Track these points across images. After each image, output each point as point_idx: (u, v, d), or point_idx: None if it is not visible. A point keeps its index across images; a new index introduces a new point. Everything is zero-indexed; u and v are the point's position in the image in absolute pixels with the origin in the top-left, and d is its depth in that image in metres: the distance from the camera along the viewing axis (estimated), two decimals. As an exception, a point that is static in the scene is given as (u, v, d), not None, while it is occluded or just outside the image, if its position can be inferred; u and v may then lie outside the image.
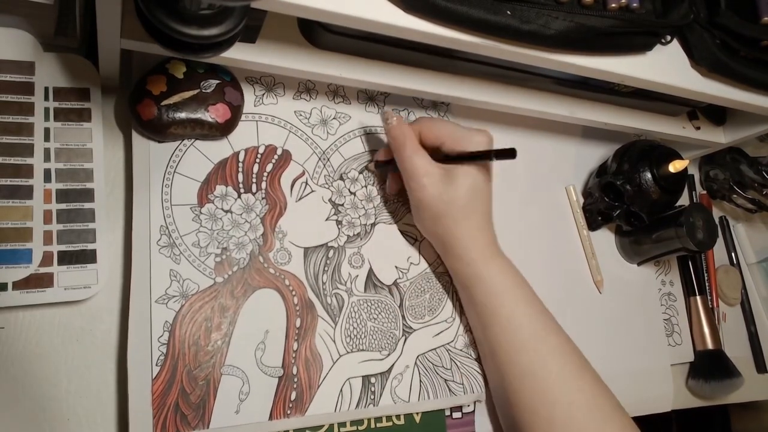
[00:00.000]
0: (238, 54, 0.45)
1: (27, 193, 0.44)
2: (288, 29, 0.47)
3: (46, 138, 0.45)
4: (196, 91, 0.47)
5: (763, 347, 0.73)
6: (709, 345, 0.66)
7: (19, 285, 0.42)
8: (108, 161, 0.48)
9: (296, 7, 0.37)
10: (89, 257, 0.44)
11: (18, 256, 0.42)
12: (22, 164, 0.44)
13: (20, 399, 0.42)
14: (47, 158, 0.45)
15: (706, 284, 0.71)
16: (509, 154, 0.44)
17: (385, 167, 0.54)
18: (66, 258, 0.44)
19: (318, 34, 0.47)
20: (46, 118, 0.45)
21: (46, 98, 0.45)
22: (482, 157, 0.47)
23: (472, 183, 0.48)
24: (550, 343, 0.48)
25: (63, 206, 0.45)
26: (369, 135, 0.56)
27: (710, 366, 0.66)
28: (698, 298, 0.68)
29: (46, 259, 0.43)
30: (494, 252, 0.50)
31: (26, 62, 0.45)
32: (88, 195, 0.45)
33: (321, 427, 0.47)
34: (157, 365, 0.43)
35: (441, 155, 0.49)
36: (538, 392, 0.46)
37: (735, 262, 0.75)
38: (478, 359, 0.54)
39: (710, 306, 0.69)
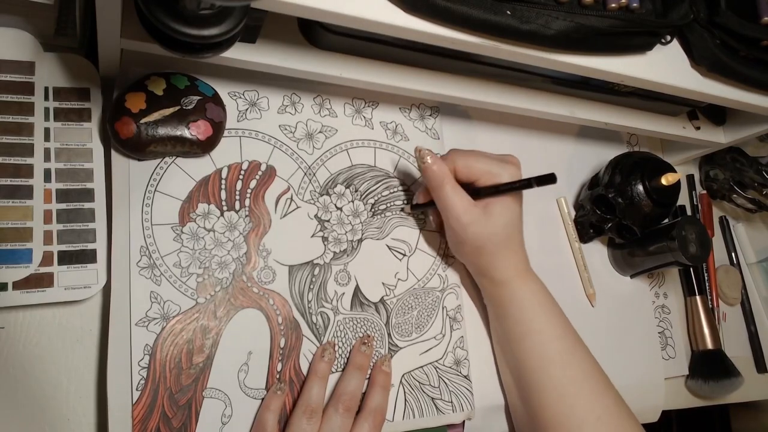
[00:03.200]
0: (238, 54, 0.45)
1: (27, 193, 0.44)
2: (288, 29, 0.47)
3: (46, 138, 0.45)
4: (176, 108, 0.46)
5: (763, 347, 0.73)
6: (709, 345, 0.66)
7: (19, 285, 0.42)
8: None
9: (296, 7, 0.37)
10: (89, 257, 0.44)
11: (18, 256, 0.42)
12: (22, 164, 0.44)
13: (20, 399, 0.42)
14: (47, 158, 0.45)
15: (706, 284, 0.71)
16: (550, 179, 0.45)
17: (424, 207, 0.54)
18: (66, 258, 0.44)
19: (318, 34, 0.47)
20: (46, 118, 0.45)
21: (46, 98, 0.45)
22: (523, 186, 0.47)
23: (510, 216, 0.49)
24: (579, 359, 0.49)
25: (63, 206, 0.45)
26: (355, 150, 0.55)
27: (710, 366, 0.66)
28: (698, 297, 0.68)
29: (46, 259, 0.43)
30: (528, 271, 0.51)
31: (26, 62, 0.45)
32: (88, 195, 0.45)
33: None
34: (137, 390, 0.43)
35: (478, 188, 0.49)
36: (567, 408, 0.47)
37: (735, 262, 0.75)
38: (468, 377, 0.53)
39: (710, 306, 0.69)
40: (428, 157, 0.49)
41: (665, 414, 0.63)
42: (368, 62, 0.50)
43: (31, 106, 0.45)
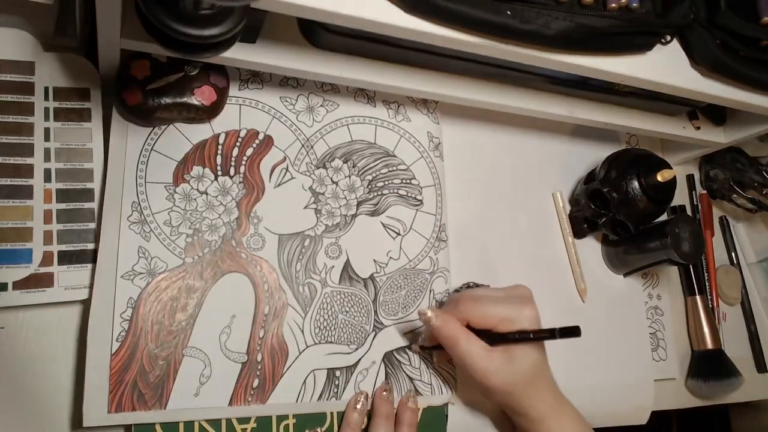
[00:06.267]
0: (238, 54, 0.45)
1: (27, 193, 0.44)
2: (288, 29, 0.47)
3: (46, 138, 0.45)
4: (180, 74, 0.47)
5: (763, 347, 0.73)
6: (709, 345, 0.66)
7: (19, 285, 0.42)
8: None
9: (296, 7, 0.37)
10: (89, 257, 0.44)
11: (18, 256, 0.42)
12: (22, 164, 0.44)
13: (20, 399, 0.42)
14: (47, 158, 0.45)
15: (706, 284, 0.71)
16: (573, 332, 0.43)
17: (433, 349, 0.51)
18: (66, 258, 0.44)
19: (318, 34, 0.47)
20: (46, 118, 0.45)
21: (46, 98, 0.45)
22: (545, 337, 0.46)
23: (534, 356, 0.47)
24: None
25: (63, 206, 0.45)
26: (356, 125, 0.55)
27: (710, 366, 0.66)
28: (698, 297, 0.68)
29: (46, 259, 0.43)
30: (563, 405, 0.49)
31: (26, 62, 0.45)
32: (88, 195, 0.45)
33: (286, 416, 0.47)
34: (117, 341, 0.43)
35: (497, 336, 0.47)
36: None
37: (735, 262, 0.75)
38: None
39: (710, 306, 0.69)
40: (435, 318, 0.46)
41: (665, 414, 0.63)
42: (368, 62, 0.50)
43: (31, 106, 0.45)
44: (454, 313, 0.47)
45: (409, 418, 0.49)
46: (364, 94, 0.57)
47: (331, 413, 0.49)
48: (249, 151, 0.51)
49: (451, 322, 0.47)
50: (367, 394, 0.50)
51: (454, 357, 0.48)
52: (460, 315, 0.47)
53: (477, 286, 0.55)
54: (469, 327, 0.47)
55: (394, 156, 0.56)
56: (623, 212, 0.58)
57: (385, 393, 0.50)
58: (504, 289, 0.49)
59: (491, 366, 0.46)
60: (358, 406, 0.49)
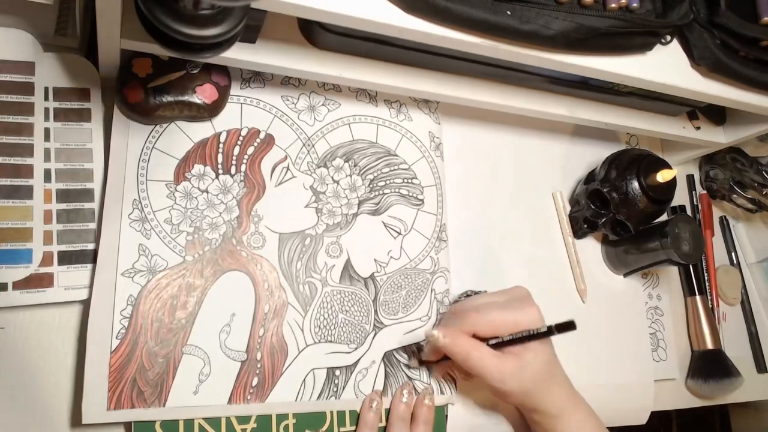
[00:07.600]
0: (238, 54, 0.45)
1: (27, 193, 0.44)
2: (288, 29, 0.48)
3: (46, 138, 0.45)
4: (182, 72, 0.47)
5: (763, 347, 0.73)
6: (709, 345, 0.66)
7: (19, 285, 0.42)
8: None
9: (296, 7, 0.37)
10: (89, 257, 0.44)
11: (18, 256, 0.42)
12: (22, 164, 0.44)
13: (20, 399, 0.42)
14: (47, 158, 0.45)
15: (706, 284, 0.71)
16: (570, 326, 0.45)
17: (435, 363, 0.52)
18: (66, 258, 0.44)
19: (318, 34, 0.47)
20: (46, 118, 0.45)
21: (46, 98, 0.45)
22: (545, 335, 0.46)
23: (545, 354, 0.48)
24: None
25: (63, 206, 0.45)
26: (357, 125, 0.55)
27: (710, 366, 0.66)
28: (698, 297, 0.68)
29: (46, 259, 0.43)
30: (578, 399, 0.50)
31: (26, 62, 0.45)
32: (88, 195, 0.45)
33: (286, 416, 0.47)
34: (117, 338, 0.43)
35: (503, 342, 0.47)
36: None
37: (735, 262, 0.75)
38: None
39: (710, 306, 0.69)
40: (442, 337, 0.47)
41: (665, 414, 0.63)
42: (368, 62, 0.50)
43: (31, 107, 0.45)
44: (460, 327, 0.48)
45: (425, 416, 0.50)
46: (366, 94, 0.57)
47: (331, 412, 0.49)
48: (250, 150, 0.51)
49: (459, 337, 0.47)
50: (381, 394, 0.50)
51: (469, 369, 0.47)
52: (466, 327, 0.47)
53: (475, 293, 0.54)
54: (475, 336, 0.47)
55: (396, 155, 0.56)
56: (623, 212, 0.58)
57: (405, 395, 0.50)
58: (503, 292, 0.50)
59: (506, 371, 0.46)
60: (374, 406, 0.49)
